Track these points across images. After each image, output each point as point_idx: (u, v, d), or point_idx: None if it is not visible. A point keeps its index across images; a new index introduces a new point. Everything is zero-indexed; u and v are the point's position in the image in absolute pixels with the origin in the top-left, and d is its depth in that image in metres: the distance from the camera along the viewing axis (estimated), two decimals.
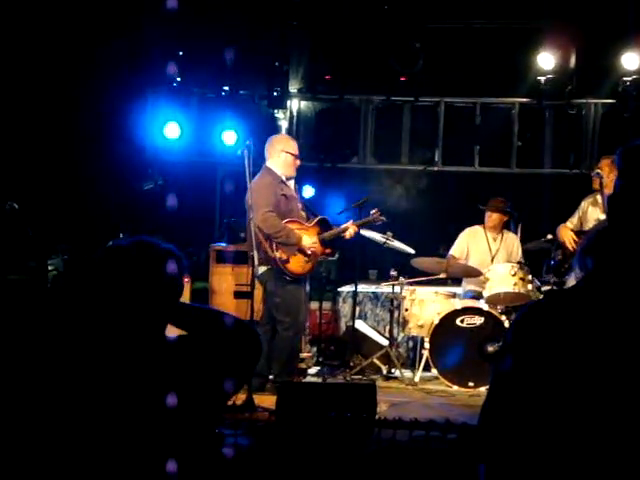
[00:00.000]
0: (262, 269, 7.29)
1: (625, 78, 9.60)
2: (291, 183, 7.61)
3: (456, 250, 8.83)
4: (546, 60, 9.66)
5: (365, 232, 8.25)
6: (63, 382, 2.39)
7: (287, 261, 7.28)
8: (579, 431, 2.05)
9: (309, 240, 7.39)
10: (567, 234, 7.92)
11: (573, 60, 9.72)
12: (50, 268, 8.42)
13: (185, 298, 8.04)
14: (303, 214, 7.64)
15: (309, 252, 7.36)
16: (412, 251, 8.55)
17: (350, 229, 7.73)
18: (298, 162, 7.58)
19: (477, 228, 8.91)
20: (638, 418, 2.02)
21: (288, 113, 10.72)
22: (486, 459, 2.18)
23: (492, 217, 8.71)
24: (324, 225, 7.69)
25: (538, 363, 2.11)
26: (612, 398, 2.05)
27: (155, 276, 2.50)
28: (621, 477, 2.02)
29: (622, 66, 9.52)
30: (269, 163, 7.52)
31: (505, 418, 2.13)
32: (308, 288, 7.89)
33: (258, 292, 7.19)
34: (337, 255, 9.28)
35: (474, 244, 8.86)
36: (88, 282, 2.53)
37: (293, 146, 7.58)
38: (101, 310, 2.50)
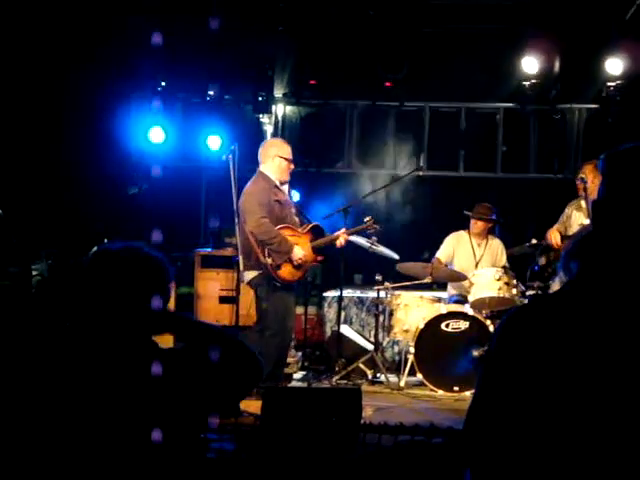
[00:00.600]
0: (252, 274, 7.26)
1: (609, 83, 9.65)
2: (285, 188, 7.57)
3: (442, 254, 8.84)
4: (530, 65, 9.69)
5: (351, 237, 8.25)
6: (48, 387, 2.38)
7: (278, 267, 7.25)
8: (564, 434, 2.05)
9: (299, 252, 7.34)
10: (554, 234, 7.96)
11: (557, 65, 9.76)
12: (34, 273, 8.38)
13: (170, 304, 8.04)
14: (296, 220, 7.60)
15: (296, 263, 7.33)
16: (397, 256, 8.55)
17: (341, 237, 7.70)
18: (292, 166, 7.54)
19: (462, 233, 8.92)
20: (622, 420, 2.03)
21: (273, 118, 10.73)
22: (472, 463, 2.18)
23: (477, 224, 8.73)
24: (317, 232, 7.65)
25: (523, 367, 2.12)
26: (597, 401, 2.05)
27: (142, 281, 2.51)
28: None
29: (606, 71, 9.57)
30: (263, 168, 7.47)
31: (491, 422, 2.14)
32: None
33: (244, 297, 7.18)
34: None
35: (459, 249, 8.87)
36: (76, 287, 2.54)
37: (287, 150, 7.54)
38: (88, 314, 2.50)
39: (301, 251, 7.34)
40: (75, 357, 2.43)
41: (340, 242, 7.70)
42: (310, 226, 7.63)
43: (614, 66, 9.50)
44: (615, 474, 2.03)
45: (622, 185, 2.20)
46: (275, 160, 7.43)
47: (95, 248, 2.67)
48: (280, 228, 7.31)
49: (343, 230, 7.76)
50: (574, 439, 2.04)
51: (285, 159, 7.45)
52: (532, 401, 2.09)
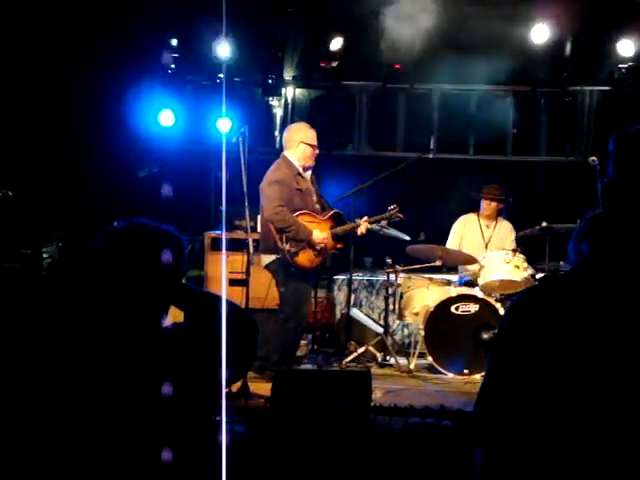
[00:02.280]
0: (270, 258, 7.27)
1: (621, 65, 9.59)
2: (308, 174, 7.54)
3: (450, 243, 8.82)
4: (540, 34, 9.60)
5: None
6: (59, 370, 2.36)
7: (296, 254, 7.25)
8: (576, 415, 2.05)
9: (320, 235, 7.33)
10: None
11: (568, 47, 9.69)
12: (45, 256, 8.40)
13: None
14: (318, 207, 7.57)
15: (318, 248, 7.33)
16: (407, 238, 8.54)
17: (362, 226, 7.67)
18: (317, 152, 7.51)
19: (470, 216, 8.91)
20: (635, 401, 2.02)
21: (283, 100, 10.70)
22: (483, 444, 2.18)
23: (490, 205, 8.72)
24: (337, 219, 7.64)
25: (534, 348, 2.11)
26: (609, 382, 2.05)
27: (154, 259, 2.44)
28: (617, 463, 2.03)
29: (618, 53, 9.50)
30: (287, 153, 7.44)
31: (502, 404, 2.14)
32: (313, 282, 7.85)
33: (254, 280, 7.18)
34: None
35: (467, 232, 8.86)
36: (86, 269, 2.51)
37: (312, 136, 7.49)
38: (100, 296, 2.46)
39: (321, 234, 7.33)
40: (85, 340, 2.40)
41: (361, 230, 7.67)
42: (331, 213, 7.61)
43: (626, 48, 9.44)
44: (626, 455, 2.03)
45: (632, 165, 2.20)
46: (300, 147, 7.41)
47: (106, 228, 2.61)
48: (299, 214, 7.29)
49: (365, 218, 7.72)
50: (586, 421, 2.04)
51: (310, 145, 7.42)
52: (543, 382, 2.09)
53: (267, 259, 7.30)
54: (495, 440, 2.16)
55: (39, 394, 2.35)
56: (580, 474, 2.06)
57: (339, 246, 7.71)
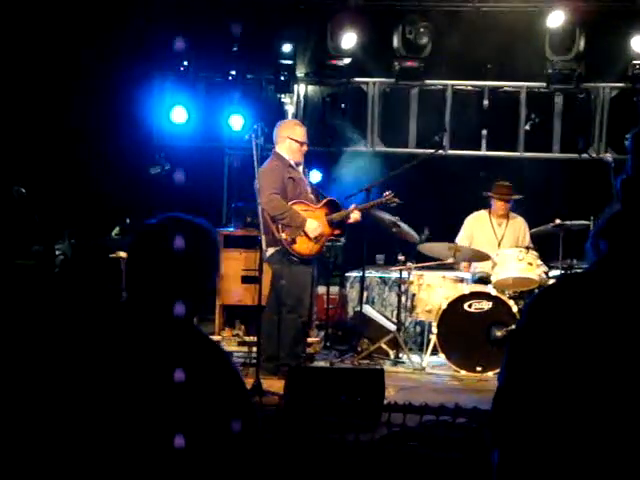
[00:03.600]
0: (270, 251, 7.33)
1: (635, 62, 9.54)
2: (300, 168, 7.63)
3: (461, 238, 8.80)
4: (556, 23, 9.57)
5: (377, 212, 8.27)
6: (73, 367, 2.33)
7: (293, 242, 7.31)
8: (595, 415, 2.03)
9: (313, 224, 7.38)
10: None
11: (582, 43, 9.65)
12: (57, 253, 8.42)
13: None
14: (312, 197, 7.65)
15: (313, 235, 7.37)
16: (417, 236, 8.55)
17: (354, 213, 7.71)
18: (305, 148, 7.59)
19: (482, 213, 8.89)
20: None
21: (295, 97, 10.69)
22: (500, 444, 2.16)
23: (500, 205, 8.70)
24: (333, 206, 7.70)
25: (552, 346, 2.10)
26: (628, 382, 2.03)
27: (189, 255, 2.35)
28: (636, 463, 2.01)
29: (632, 49, 9.45)
30: (277, 148, 7.56)
31: (519, 403, 2.12)
32: (316, 273, 7.87)
33: (267, 277, 7.19)
34: (343, 240, 9.27)
35: (479, 230, 8.84)
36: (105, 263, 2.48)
37: (299, 132, 7.59)
38: (131, 294, 2.42)
39: (315, 223, 7.38)
40: (105, 339, 2.36)
41: (355, 217, 7.71)
42: (325, 201, 7.68)
43: (637, 41, 9.38)
44: None
45: None
46: (286, 142, 7.52)
47: (141, 226, 2.52)
48: (293, 203, 7.38)
49: (353, 205, 7.77)
50: (605, 419, 2.03)
51: (296, 141, 7.52)
52: (561, 381, 2.07)
53: (268, 253, 7.34)
54: (513, 440, 2.14)
55: (50, 393, 2.32)
56: (598, 474, 2.04)
57: (337, 233, 7.76)
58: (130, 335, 2.36)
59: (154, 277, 2.38)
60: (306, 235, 7.37)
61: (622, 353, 2.05)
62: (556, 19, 9.57)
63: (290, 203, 7.36)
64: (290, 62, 10.29)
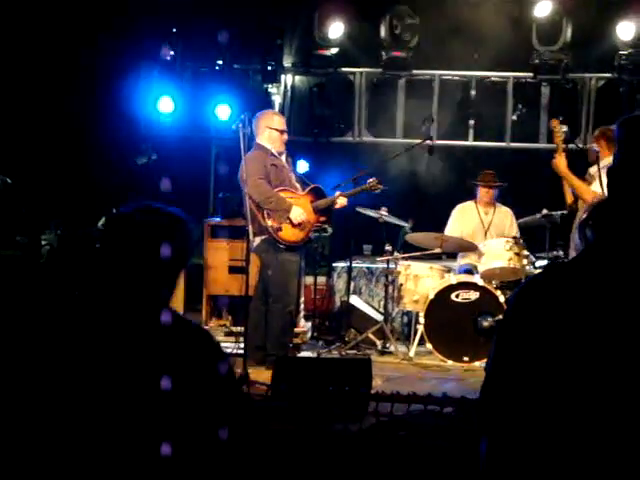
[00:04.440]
0: (257, 241, 7.32)
1: (621, 52, 9.55)
2: (282, 157, 7.62)
3: (449, 230, 8.80)
4: (543, 12, 9.59)
5: (361, 209, 8.29)
6: (58, 360, 2.31)
7: (279, 229, 7.30)
8: (581, 402, 2.04)
9: (298, 210, 7.39)
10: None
11: (569, 34, 9.66)
12: (43, 243, 8.39)
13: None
14: (297, 185, 7.65)
15: (298, 221, 7.37)
16: (407, 225, 8.55)
17: (340, 199, 7.72)
18: (285, 137, 7.61)
19: (469, 203, 8.90)
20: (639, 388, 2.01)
21: (282, 87, 10.67)
22: (488, 432, 2.17)
23: (487, 192, 8.72)
24: (318, 193, 7.70)
25: (539, 335, 2.10)
26: (613, 369, 2.04)
27: (156, 244, 2.37)
28: (621, 449, 2.02)
29: (618, 39, 9.46)
30: (259, 139, 7.58)
31: (507, 391, 2.13)
32: (303, 264, 7.87)
33: (254, 267, 7.18)
34: (330, 230, 9.27)
35: (466, 220, 8.85)
36: (89, 256, 2.47)
37: (277, 121, 7.61)
38: (98, 284, 2.41)
39: (299, 209, 7.39)
40: (84, 328, 2.34)
41: (341, 203, 7.72)
42: (310, 187, 7.69)
43: (626, 30, 9.37)
44: (629, 443, 2.02)
45: (637, 151, 2.18)
46: (266, 132, 7.53)
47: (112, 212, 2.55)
48: (279, 190, 7.37)
49: (338, 192, 7.78)
50: (591, 407, 2.03)
51: (275, 129, 7.54)
52: (548, 369, 2.08)
53: (255, 242, 7.33)
54: (500, 428, 2.15)
55: (33, 387, 2.30)
56: (585, 462, 2.05)
57: (322, 219, 7.75)
58: (106, 325, 2.35)
59: (125, 265, 2.39)
60: (292, 222, 7.37)
61: (607, 340, 2.06)
62: (543, 9, 9.58)
63: (276, 190, 7.36)
64: (277, 52, 10.27)
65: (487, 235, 8.62)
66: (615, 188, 2.23)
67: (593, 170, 7.44)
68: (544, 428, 2.08)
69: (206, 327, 8.12)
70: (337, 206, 7.74)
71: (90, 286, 2.42)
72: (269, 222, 7.28)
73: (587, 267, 2.16)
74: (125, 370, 2.29)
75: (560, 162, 7.47)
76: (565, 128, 7.69)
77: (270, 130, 7.52)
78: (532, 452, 2.10)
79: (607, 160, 7.39)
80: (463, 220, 8.86)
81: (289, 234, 7.38)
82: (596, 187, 7.18)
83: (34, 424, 2.28)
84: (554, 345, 2.09)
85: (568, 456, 2.06)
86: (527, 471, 2.11)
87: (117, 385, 2.28)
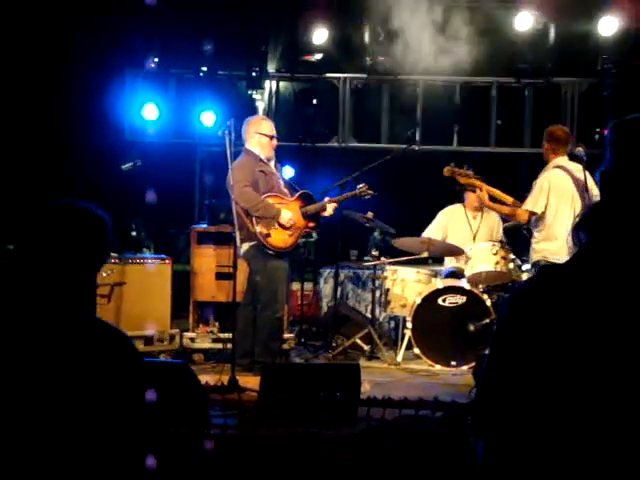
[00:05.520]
0: (245, 247, 7.32)
1: (604, 56, 9.60)
2: (271, 163, 7.63)
3: (432, 232, 8.79)
4: (524, 27, 9.62)
5: (348, 213, 8.29)
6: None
7: (268, 235, 7.31)
8: (577, 403, 2.04)
9: (288, 214, 7.40)
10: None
11: (552, 37, 9.70)
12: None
13: (167, 280, 8.03)
14: (285, 191, 7.65)
15: (287, 226, 7.38)
16: (393, 231, 8.55)
17: (328, 206, 7.72)
18: (275, 142, 7.62)
19: (457, 207, 8.93)
20: (634, 390, 2.02)
21: (267, 93, 10.67)
22: (484, 435, 2.17)
23: (473, 196, 8.72)
24: (307, 199, 7.71)
25: (534, 337, 2.11)
26: (609, 370, 2.04)
27: (68, 241, 2.39)
28: (618, 451, 2.02)
29: (599, 35, 9.45)
30: (247, 145, 7.57)
31: (503, 393, 2.13)
32: (289, 270, 7.86)
33: (241, 273, 7.17)
34: (315, 235, 9.27)
35: (454, 223, 8.87)
36: (14, 248, 2.44)
37: (267, 127, 7.61)
38: (20, 288, 2.36)
39: (289, 213, 7.39)
40: (13, 329, 2.30)
41: (329, 211, 7.72)
42: (299, 193, 7.70)
43: (608, 25, 9.39)
44: (627, 445, 2.03)
45: (630, 154, 2.19)
46: (255, 137, 7.54)
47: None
48: (267, 196, 7.38)
49: (327, 199, 7.78)
50: (587, 408, 2.04)
51: (265, 135, 7.55)
52: (544, 371, 2.09)
53: (243, 248, 7.33)
54: (497, 430, 2.16)
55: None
56: (583, 463, 2.05)
57: (311, 225, 7.76)
58: (21, 325, 2.31)
59: (42, 263, 2.36)
60: (281, 227, 7.37)
61: (603, 342, 2.07)
62: (524, 22, 9.60)
63: (263, 196, 7.36)
64: (261, 58, 10.27)
65: (475, 240, 8.64)
66: (608, 191, 2.24)
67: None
68: (541, 430, 2.09)
69: (193, 334, 8.10)
70: (326, 213, 7.73)
71: (6, 284, 2.39)
72: (258, 228, 7.28)
73: (582, 269, 2.17)
74: (36, 370, 2.26)
75: (483, 197, 7.65)
76: (465, 167, 7.81)
77: (260, 136, 7.52)
78: (529, 454, 2.10)
79: (553, 162, 7.48)
80: (451, 223, 8.87)
81: (278, 240, 7.38)
82: (528, 202, 7.28)
83: None
84: (550, 347, 2.10)
85: (565, 457, 2.07)
86: (524, 473, 2.12)
87: (26, 385, 2.24)
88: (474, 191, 8.54)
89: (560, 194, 7.30)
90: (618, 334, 2.06)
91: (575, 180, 7.35)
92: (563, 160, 7.47)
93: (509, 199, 7.74)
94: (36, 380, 2.25)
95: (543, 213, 7.32)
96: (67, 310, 2.36)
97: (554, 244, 7.23)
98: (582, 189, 7.21)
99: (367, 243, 9.51)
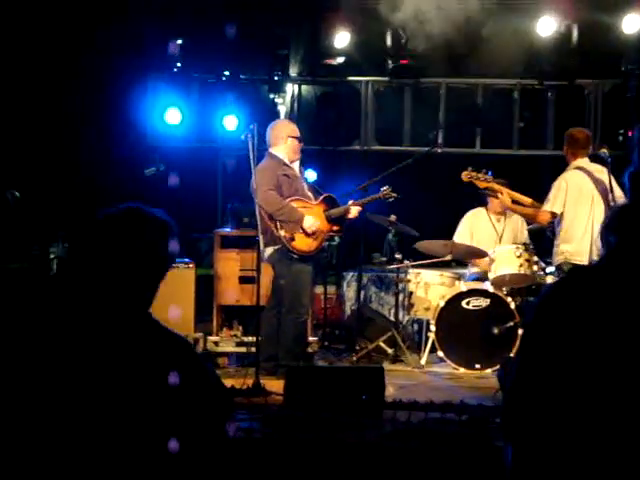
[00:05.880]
0: (270, 250, 7.33)
1: (628, 57, 9.54)
2: (295, 165, 7.63)
3: (459, 236, 8.78)
4: (546, 32, 9.57)
5: (370, 216, 8.29)
6: (43, 363, 2.29)
7: (292, 239, 7.31)
8: (608, 407, 2.03)
9: (311, 220, 7.39)
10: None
11: (575, 39, 9.64)
12: (52, 256, 8.39)
13: (190, 284, 8.05)
14: (309, 194, 7.65)
15: (311, 230, 7.38)
16: (416, 234, 8.53)
17: (352, 209, 7.72)
18: (301, 144, 7.63)
19: (480, 210, 8.89)
20: None
21: (289, 97, 10.68)
22: (513, 439, 2.17)
23: (496, 201, 8.67)
24: (331, 202, 7.71)
25: (564, 341, 2.10)
26: (638, 373, 2.03)
27: (144, 244, 2.41)
28: None
29: (623, 34, 9.38)
30: (273, 150, 7.54)
31: (533, 398, 2.12)
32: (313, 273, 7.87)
33: (265, 277, 7.18)
34: (337, 239, 9.26)
35: (478, 227, 8.84)
36: (78, 257, 2.43)
37: (296, 129, 7.67)
38: (90, 286, 2.38)
39: (312, 219, 7.39)
40: (77, 337, 2.32)
41: (353, 214, 7.72)
42: (323, 197, 7.69)
43: (632, 23, 9.32)
44: None
45: None
46: (288, 141, 7.53)
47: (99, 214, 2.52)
48: (290, 200, 7.38)
49: (351, 202, 7.78)
50: (618, 413, 2.03)
51: (297, 138, 7.56)
52: (574, 374, 2.07)
53: (267, 252, 7.34)
54: (527, 434, 2.14)
55: (38, 395, 2.29)
56: (614, 469, 2.04)
57: (335, 229, 7.76)
58: (90, 327, 2.34)
59: (110, 266, 2.38)
60: (304, 231, 7.38)
61: (633, 346, 2.05)
62: (547, 27, 9.55)
63: (287, 200, 7.36)
64: (283, 62, 10.29)
65: (501, 243, 8.60)
66: (637, 192, 2.23)
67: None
68: (571, 435, 2.08)
69: (216, 338, 8.12)
70: (351, 215, 7.73)
71: (74, 288, 2.40)
72: (282, 232, 7.28)
73: (611, 272, 2.16)
74: (106, 373, 2.28)
75: (505, 201, 7.67)
76: (483, 171, 7.81)
77: (293, 139, 7.53)
78: (558, 459, 2.09)
79: (572, 164, 7.46)
80: (475, 227, 8.84)
81: (302, 244, 7.38)
82: (548, 203, 7.26)
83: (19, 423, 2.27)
84: (580, 350, 2.09)
85: (594, 463, 2.05)
86: (554, 476, 2.11)
87: (99, 388, 2.27)
88: (496, 197, 8.50)
89: (578, 194, 7.31)
90: None
91: (595, 181, 7.33)
92: (583, 162, 7.46)
93: (528, 200, 7.73)
94: (97, 385, 2.27)
95: (562, 214, 7.32)
96: (131, 316, 2.38)
97: (572, 245, 7.26)
98: (604, 190, 7.19)
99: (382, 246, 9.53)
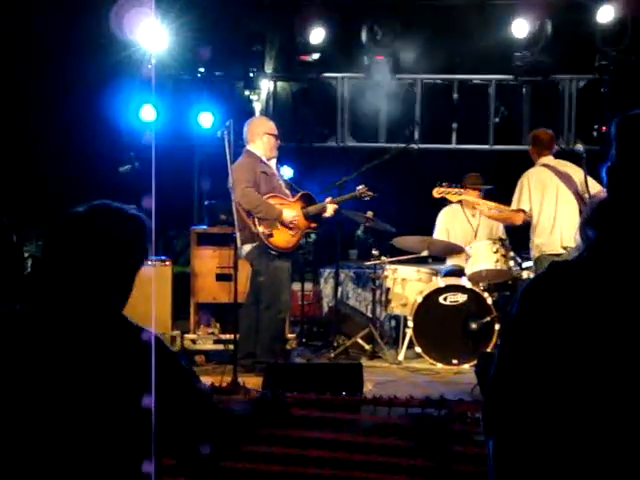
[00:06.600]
0: (248, 247, 7.32)
1: (602, 49, 9.59)
2: (272, 163, 7.62)
3: (439, 233, 8.82)
4: (521, 34, 9.61)
5: (347, 213, 8.29)
6: (33, 366, 2.28)
7: (271, 235, 7.31)
8: (589, 401, 2.03)
9: (290, 214, 7.40)
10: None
11: (549, 34, 9.67)
12: (26, 255, 8.34)
13: (167, 282, 8.01)
14: (287, 192, 7.65)
15: (290, 226, 7.38)
16: (393, 230, 8.55)
17: (329, 207, 7.73)
18: (278, 142, 7.63)
19: (455, 207, 8.91)
20: None
21: (265, 94, 10.66)
22: (495, 432, 2.16)
23: (472, 194, 8.70)
24: (308, 200, 7.72)
25: (545, 335, 2.10)
26: (621, 367, 2.03)
27: (114, 242, 2.38)
28: (631, 450, 2.02)
29: (597, 24, 9.42)
30: (250, 147, 7.55)
31: (514, 391, 2.12)
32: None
33: (241, 274, 7.16)
34: (314, 236, 9.27)
35: (454, 223, 8.86)
36: (49, 256, 2.41)
37: (273, 127, 7.66)
38: (61, 285, 2.35)
39: (291, 212, 7.39)
40: (36, 336, 2.31)
41: (330, 212, 7.73)
42: (300, 194, 7.71)
43: (606, 14, 9.35)
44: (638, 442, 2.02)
45: (635, 149, 2.18)
46: (264, 138, 7.54)
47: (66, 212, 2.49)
48: (268, 197, 7.39)
49: (329, 199, 7.77)
50: (599, 406, 2.03)
51: (273, 135, 7.57)
52: (555, 368, 2.08)
53: (245, 249, 7.33)
54: (508, 427, 2.14)
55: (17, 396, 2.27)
56: (594, 461, 2.04)
57: (313, 225, 7.78)
58: (62, 328, 2.32)
59: (79, 265, 2.35)
60: (283, 227, 7.37)
61: (614, 339, 2.06)
62: (522, 28, 9.58)
63: (265, 197, 7.36)
64: (258, 58, 10.26)
65: (476, 238, 8.63)
66: (615, 186, 2.23)
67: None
68: (552, 427, 2.08)
69: (194, 335, 8.09)
70: (327, 214, 7.74)
71: (39, 290, 2.38)
72: (260, 229, 7.28)
73: (591, 266, 2.16)
74: (78, 373, 2.27)
75: (483, 212, 7.89)
76: (452, 186, 7.93)
77: (269, 136, 7.54)
78: (541, 451, 2.09)
79: (537, 163, 7.60)
80: (450, 223, 8.87)
81: (280, 240, 7.38)
82: (513, 202, 7.39)
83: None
84: (560, 344, 2.09)
85: (576, 455, 2.06)
86: (535, 471, 2.11)
87: (64, 390, 2.25)
88: (474, 189, 8.55)
89: (542, 188, 7.47)
90: (630, 330, 2.06)
91: (559, 174, 7.50)
92: (547, 159, 7.65)
93: (505, 207, 7.85)
94: (67, 382, 2.26)
95: (531, 210, 7.45)
96: (100, 312, 2.35)
97: (543, 238, 7.40)
98: (570, 183, 7.40)
99: (367, 242, 9.53)
